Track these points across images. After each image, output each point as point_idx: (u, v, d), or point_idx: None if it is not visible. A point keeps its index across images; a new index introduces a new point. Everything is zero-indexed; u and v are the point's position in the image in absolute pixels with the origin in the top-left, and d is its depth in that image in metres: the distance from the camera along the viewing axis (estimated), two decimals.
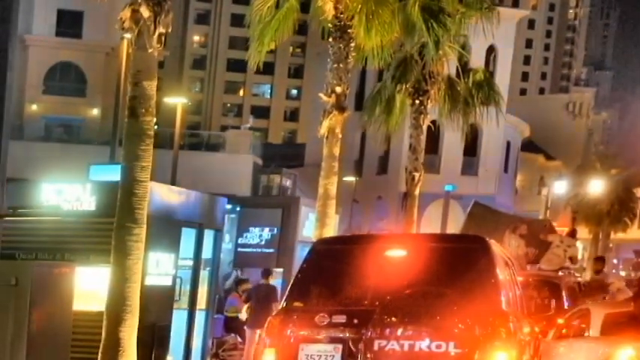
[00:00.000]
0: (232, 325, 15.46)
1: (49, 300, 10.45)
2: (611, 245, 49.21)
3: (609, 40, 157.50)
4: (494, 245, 8.04)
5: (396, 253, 7.79)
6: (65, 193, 10.59)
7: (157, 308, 10.38)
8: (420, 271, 7.60)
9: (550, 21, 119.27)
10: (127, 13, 8.57)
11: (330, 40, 13.83)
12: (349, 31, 13.61)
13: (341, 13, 13.53)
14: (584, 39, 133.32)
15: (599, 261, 17.83)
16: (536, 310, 12.03)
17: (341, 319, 7.34)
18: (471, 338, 7.15)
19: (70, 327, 10.27)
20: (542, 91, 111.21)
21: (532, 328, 8.75)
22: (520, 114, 52.01)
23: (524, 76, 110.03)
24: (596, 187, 43.79)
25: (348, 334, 7.30)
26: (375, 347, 7.24)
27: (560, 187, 47.95)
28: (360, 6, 13.42)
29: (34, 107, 47.73)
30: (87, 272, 10.37)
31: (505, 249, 11.06)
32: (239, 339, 15.39)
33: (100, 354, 8.62)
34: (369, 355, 7.24)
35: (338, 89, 13.75)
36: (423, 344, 7.20)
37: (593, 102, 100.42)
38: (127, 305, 8.53)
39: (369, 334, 7.25)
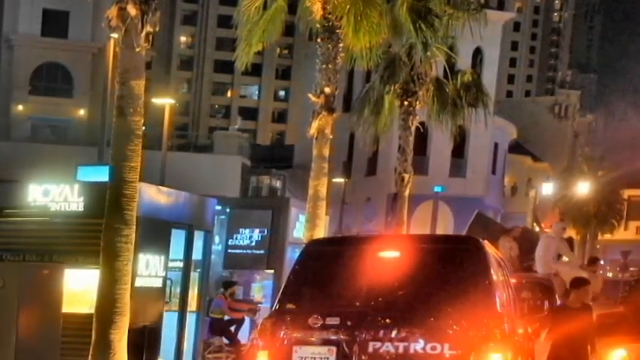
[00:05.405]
0: (218, 327, 15.36)
1: (38, 302, 10.34)
2: (598, 246, 49.40)
3: (594, 43, 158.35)
4: (488, 246, 7.99)
5: (390, 254, 7.72)
6: (53, 193, 10.50)
7: (147, 310, 10.31)
8: (413, 273, 7.53)
9: (535, 24, 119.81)
10: (113, 12, 8.49)
11: (319, 40, 13.78)
12: (337, 31, 13.57)
13: (329, 14, 13.48)
14: (569, 42, 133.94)
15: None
16: (529, 311, 12.02)
17: (334, 320, 7.26)
18: (465, 340, 7.09)
19: (60, 329, 10.18)
20: (527, 93, 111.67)
21: (526, 329, 8.72)
22: (506, 116, 52.12)
23: (510, 79, 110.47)
24: (583, 188, 44.01)
25: (341, 336, 7.22)
26: (370, 349, 7.17)
27: (547, 188, 48.14)
28: (348, 7, 13.37)
29: (21, 108, 47.48)
30: (76, 274, 10.27)
31: (499, 251, 11.03)
32: (225, 341, 15.30)
33: (90, 356, 8.52)
34: (363, 357, 7.16)
35: (327, 90, 13.70)
36: (418, 346, 7.13)
37: (579, 104, 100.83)
38: (116, 307, 8.43)
39: (363, 335, 7.18)
